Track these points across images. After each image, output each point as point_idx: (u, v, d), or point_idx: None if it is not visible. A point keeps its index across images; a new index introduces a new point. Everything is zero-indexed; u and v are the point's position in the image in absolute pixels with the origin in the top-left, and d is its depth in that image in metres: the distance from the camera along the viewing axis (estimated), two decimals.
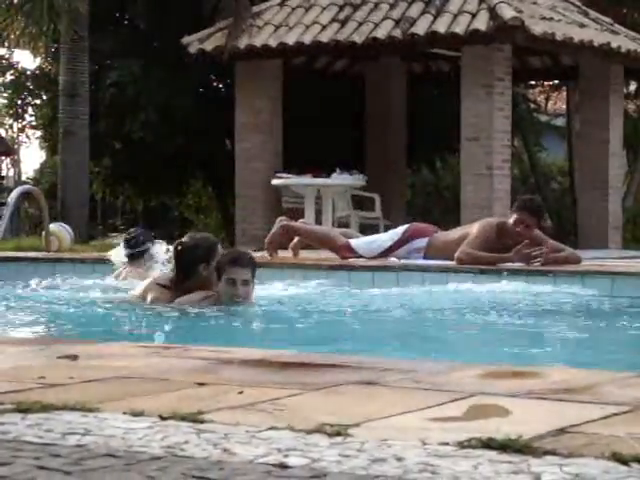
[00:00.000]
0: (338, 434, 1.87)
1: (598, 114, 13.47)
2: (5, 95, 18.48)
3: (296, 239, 8.52)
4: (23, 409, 2.10)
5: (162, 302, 5.27)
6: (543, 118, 20.85)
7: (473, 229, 7.63)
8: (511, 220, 7.47)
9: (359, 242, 8.07)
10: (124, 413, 2.07)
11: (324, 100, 15.10)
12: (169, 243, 6.15)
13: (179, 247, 5.40)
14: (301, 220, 9.50)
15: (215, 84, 16.17)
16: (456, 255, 7.33)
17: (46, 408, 2.10)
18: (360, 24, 12.51)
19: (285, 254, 8.60)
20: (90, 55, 13.54)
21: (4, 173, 25.51)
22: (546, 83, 19.41)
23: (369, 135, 14.67)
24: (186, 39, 13.19)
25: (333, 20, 12.74)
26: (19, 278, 7.80)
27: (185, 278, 5.33)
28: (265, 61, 13.04)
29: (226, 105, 13.66)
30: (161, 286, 5.36)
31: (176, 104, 14.25)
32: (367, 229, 11.16)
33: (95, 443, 1.83)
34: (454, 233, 8.01)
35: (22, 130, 20.61)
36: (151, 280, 5.52)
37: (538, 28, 11.92)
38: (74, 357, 2.86)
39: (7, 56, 18.81)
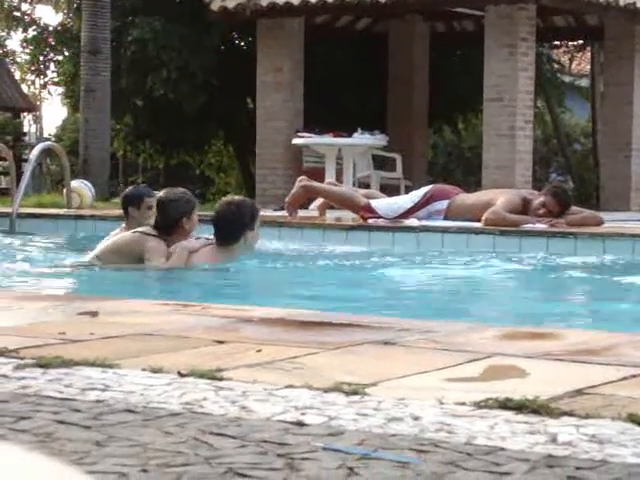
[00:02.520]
0: (355, 393, 1.88)
1: (622, 75, 13.33)
2: (27, 51, 18.44)
3: (322, 199, 8.52)
4: (43, 364, 2.11)
5: (163, 251, 5.28)
6: (567, 79, 20.65)
7: (500, 196, 7.67)
8: (537, 201, 7.55)
9: (380, 203, 8.06)
10: (143, 369, 2.08)
11: (346, 59, 15.01)
12: None
13: (162, 201, 5.39)
14: (328, 180, 9.48)
15: (237, 42, 16.09)
16: (485, 215, 7.37)
17: (66, 363, 2.12)
18: None
19: (305, 214, 8.60)
20: (112, 11, 13.49)
21: (26, 129, 25.54)
22: (570, 43, 19.21)
23: (391, 95, 14.59)
24: None
25: None
26: (40, 234, 7.85)
27: (168, 231, 5.33)
28: (287, 19, 12.96)
29: (248, 63, 13.61)
30: (153, 236, 5.36)
31: (198, 62, 14.20)
32: (388, 189, 11.13)
33: (114, 399, 1.85)
34: (475, 196, 8.02)
35: (44, 86, 20.56)
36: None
37: None
38: (94, 313, 2.88)
39: (29, 12, 18.78)
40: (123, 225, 6.34)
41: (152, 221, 5.48)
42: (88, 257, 5.58)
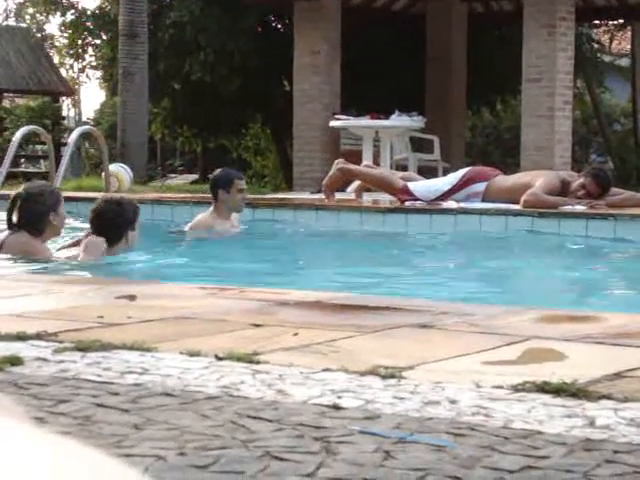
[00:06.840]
0: (392, 376, 1.88)
1: None
2: (65, 35, 18.54)
3: (358, 182, 8.50)
4: (83, 348, 2.13)
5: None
6: (607, 58, 20.44)
7: (538, 178, 7.62)
8: (576, 182, 7.50)
9: (417, 185, 8.03)
10: (181, 353, 2.09)
11: (383, 41, 14.95)
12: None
13: (23, 197, 4.99)
14: (365, 162, 9.46)
15: (274, 24, 16.08)
16: (524, 197, 7.33)
17: (105, 347, 2.14)
18: None
19: (343, 196, 8.58)
20: None
21: (65, 113, 25.69)
22: (610, 23, 18.99)
23: (429, 76, 14.51)
24: None
25: None
26: (79, 218, 7.89)
27: (38, 229, 4.95)
28: (324, 0, 12.92)
29: (284, 46, 13.59)
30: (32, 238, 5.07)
31: (235, 44, 14.21)
32: (426, 171, 11.09)
33: (152, 382, 1.86)
34: (513, 178, 7.98)
35: (82, 70, 20.65)
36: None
37: None
38: (132, 297, 2.89)
39: None
40: (210, 209, 6.36)
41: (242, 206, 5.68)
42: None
